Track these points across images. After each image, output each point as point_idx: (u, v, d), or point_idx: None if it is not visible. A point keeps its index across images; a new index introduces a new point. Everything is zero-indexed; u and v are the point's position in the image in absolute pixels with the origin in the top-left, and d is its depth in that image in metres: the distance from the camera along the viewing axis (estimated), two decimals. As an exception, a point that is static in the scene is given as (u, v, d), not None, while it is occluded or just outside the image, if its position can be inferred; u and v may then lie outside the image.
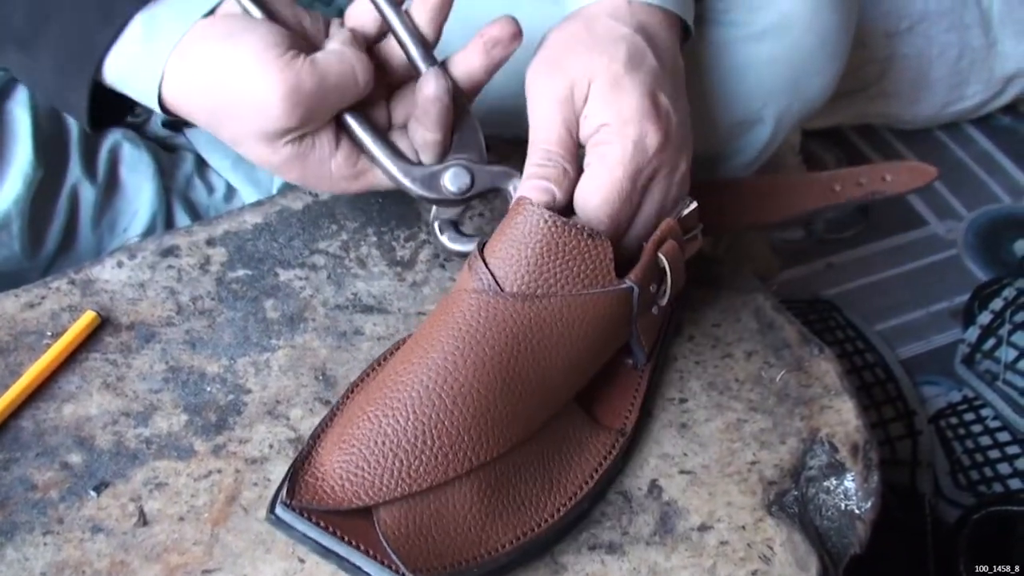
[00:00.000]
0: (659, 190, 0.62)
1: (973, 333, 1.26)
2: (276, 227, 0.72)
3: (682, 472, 0.62)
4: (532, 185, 0.60)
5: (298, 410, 0.63)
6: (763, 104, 0.85)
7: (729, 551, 0.59)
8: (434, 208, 0.65)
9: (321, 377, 0.64)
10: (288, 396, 0.63)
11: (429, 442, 0.54)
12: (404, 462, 0.53)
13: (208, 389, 0.63)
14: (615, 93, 0.61)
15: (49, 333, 0.64)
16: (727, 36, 0.81)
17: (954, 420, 1.21)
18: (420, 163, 0.64)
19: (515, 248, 0.57)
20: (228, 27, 0.60)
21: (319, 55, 0.60)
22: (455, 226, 0.65)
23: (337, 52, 0.60)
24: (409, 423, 0.54)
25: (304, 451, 0.55)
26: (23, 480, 0.58)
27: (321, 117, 0.61)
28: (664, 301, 0.62)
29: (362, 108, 0.63)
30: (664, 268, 0.60)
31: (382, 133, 0.64)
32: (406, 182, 0.63)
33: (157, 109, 0.61)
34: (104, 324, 0.65)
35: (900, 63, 1.45)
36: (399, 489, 0.53)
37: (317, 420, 0.61)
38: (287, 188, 0.78)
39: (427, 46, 0.63)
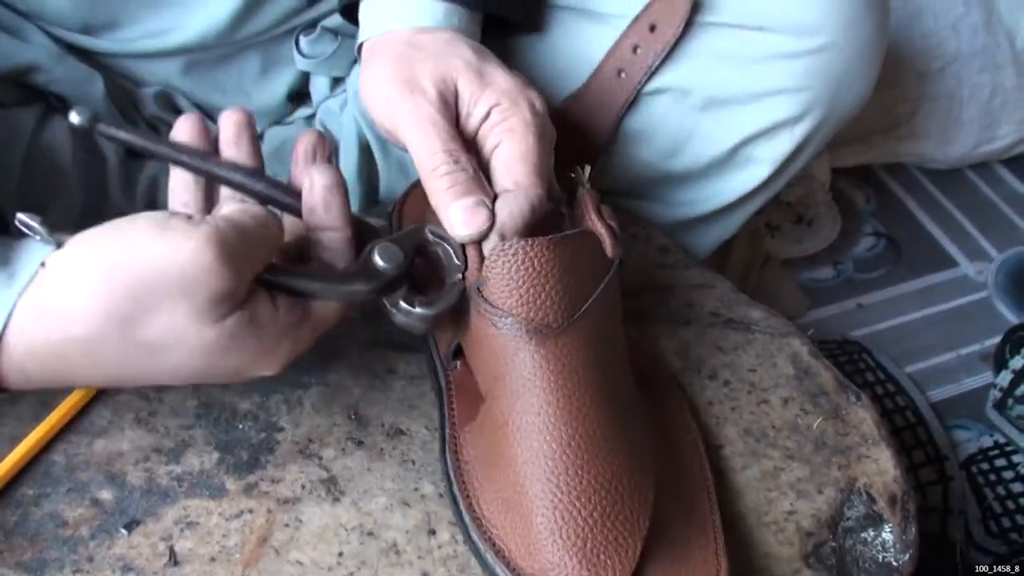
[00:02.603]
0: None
1: (1005, 378, 1.24)
2: (310, 263, 0.72)
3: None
4: (461, 207, 0.56)
5: (331, 450, 0.62)
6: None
7: (766, 604, 0.58)
8: (384, 303, 0.57)
9: (354, 416, 0.64)
10: (320, 435, 0.63)
11: (620, 503, 0.54)
12: (616, 540, 0.54)
13: (240, 426, 0.63)
14: (484, 78, 0.62)
15: (82, 367, 0.64)
16: None
17: (985, 466, 1.19)
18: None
19: (537, 287, 0.56)
20: None
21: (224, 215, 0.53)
22: (406, 299, 0.57)
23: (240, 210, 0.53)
24: (588, 505, 0.54)
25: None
26: (54, 516, 0.57)
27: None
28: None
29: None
30: (616, 230, 0.61)
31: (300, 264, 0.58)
32: (347, 288, 0.56)
33: None
34: (137, 358, 0.65)
35: (931, 103, 1.44)
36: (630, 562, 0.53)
37: (350, 460, 0.61)
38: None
39: (261, 176, 0.58)
